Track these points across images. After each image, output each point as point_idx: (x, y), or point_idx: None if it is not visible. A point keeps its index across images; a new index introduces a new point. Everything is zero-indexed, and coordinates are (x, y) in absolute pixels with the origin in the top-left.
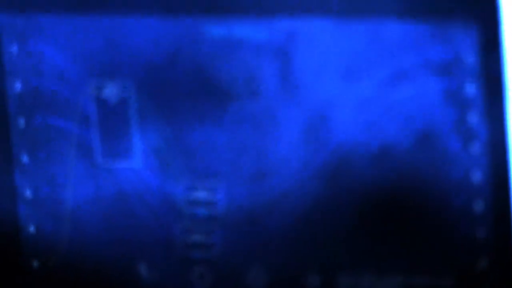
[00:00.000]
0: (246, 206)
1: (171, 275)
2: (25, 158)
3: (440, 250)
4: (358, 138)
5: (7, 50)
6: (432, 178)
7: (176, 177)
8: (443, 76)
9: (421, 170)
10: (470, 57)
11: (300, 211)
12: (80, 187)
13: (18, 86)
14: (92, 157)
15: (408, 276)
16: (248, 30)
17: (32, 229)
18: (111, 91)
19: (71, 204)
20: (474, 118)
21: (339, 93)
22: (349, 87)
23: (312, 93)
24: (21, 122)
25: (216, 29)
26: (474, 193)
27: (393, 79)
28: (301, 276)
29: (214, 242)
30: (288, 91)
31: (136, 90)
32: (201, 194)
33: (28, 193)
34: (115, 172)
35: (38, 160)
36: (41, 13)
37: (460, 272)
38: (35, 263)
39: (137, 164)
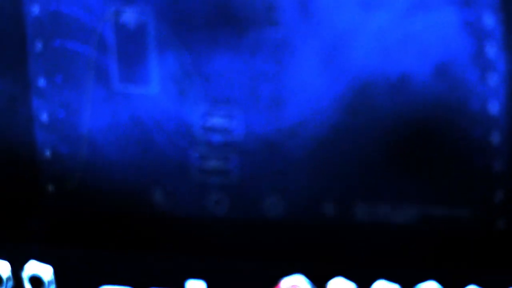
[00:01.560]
0: (262, 133)
1: (187, 201)
2: (42, 82)
3: (457, 182)
4: (376, 67)
5: None
6: (450, 109)
7: (193, 103)
8: (462, 6)
9: (439, 100)
10: None
11: (317, 139)
12: (97, 112)
13: (36, 9)
14: (109, 82)
15: (424, 207)
16: None
17: (48, 153)
18: (129, 16)
19: (87, 129)
20: (492, 49)
21: (358, 22)
22: (367, 16)
23: (330, 21)
24: (39, 46)
25: None
26: (491, 124)
27: (412, 9)
28: (317, 204)
29: (231, 168)
30: (307, 20)
31: (154, 16)
32: (218, 121)
33: (44, 117)
34: (132, 97)
35: (55, 85)
36: None
37: (477, 204)
38: (51, 187)
39: (154, 90)
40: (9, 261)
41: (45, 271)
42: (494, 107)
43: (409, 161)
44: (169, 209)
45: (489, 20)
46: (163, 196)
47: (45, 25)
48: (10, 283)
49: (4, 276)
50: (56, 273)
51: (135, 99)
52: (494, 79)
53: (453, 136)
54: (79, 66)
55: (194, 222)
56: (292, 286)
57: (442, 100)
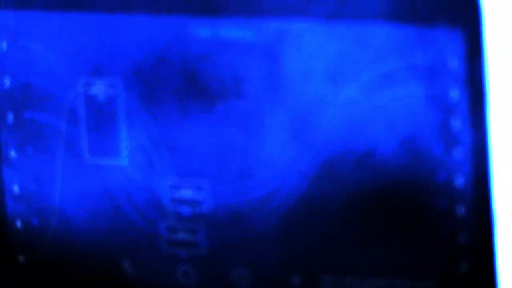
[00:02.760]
0: (231, 205)
1: (156, 272)
2: (13, 154)
3: (422, 254)
4: (343, 140)
5: None
6: (415, 182)
7: (162, 175)
8: (427, 80)
9: (404, 173)
10: (454, 63)
11: (284, 211)
12: (67, 184)
13: (7, 82)
14: (79, 153)
15: (390, 279)
16: (235, 31)
17: (19, 224)
18: (99, 88)
19: (58, 200)
20: (457, 123)
21: (325, 96)
22: (334, 89)
23: (298, 94)
24: (10, 117)
25: (204, 30)
26: (456, 197)
27: (378, 82)
28: (284, 276)
29: (199, 240)
30: (275, 92)
31: (124, 88)
32: (186, 192)
33: (15, 189)
34: (102, 169)
35: (26, 156)
36: (31, 9)
37: (441, 276)
38: (22, 258)
39: (124, 161)
40: None
41: None
42: (459, 180)
43: (375, 233)
44: (138, 280)
45: (454, 94)
46: (132, 267)
47: (16, 97)
48: None
49: None
50: None
51: (105, 170)
52: (459, 153)
53: (419, 208)
54: (50, 138)
55: None
56: None
57: (407, 173)
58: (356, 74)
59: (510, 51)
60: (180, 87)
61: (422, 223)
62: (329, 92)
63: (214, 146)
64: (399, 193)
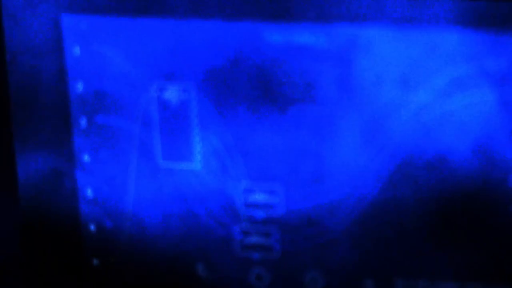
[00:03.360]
0: (304, 209)
1: (229, 276)
2: (86, 158)
3: (495, 257)
4: (415, 144)
5: (69, 51)
6: (487, 186)
7: (235, 179)
8: (499, 86)
9: (476, 178)
10: None
11: (357, 215)
12: (141, 188)
13: (80, 86)
14: (153, 158)
15: (463, 282)
16: (308, 37)
17: (92, 227)
18: (172, 93)
19: (131, 204)
20: None
21: (397, 100)
22: (407, 94)
23: (370, 99)
24: (83, 122)
25: (276, 35)
26: None
27: (450, 88)
28: (357, 280)
29: (272, 243)
30: (347, 97)
31: (197, 92)
32: (259, 196)
33: (89, 192)
34: (175, 173)
35: (99, 160)
36: (104, 14)
37: None
38: (96, 261)
39: (197, 165)
40: None
41: None
42: None
43: (448, 237)
44: (212, 283)
45: None
46: (206, 270)
47: (89, 101)
48: None
49: None
50: None
51: (178, 174)
52: None
53: (492, 213)
54: (123, 142)
55: None
56: None
57: (480, 178)
58: (428, 79)
59: None
60: (252, 92)
61: (495, 227)
62: (402, 97)
63: (287, 150)
64: (471, 198)
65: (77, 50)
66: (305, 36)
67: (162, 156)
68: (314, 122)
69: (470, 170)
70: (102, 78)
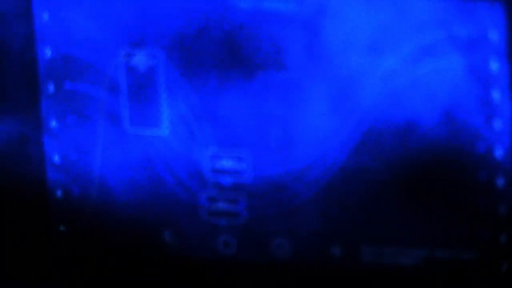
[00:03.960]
0: (271, 175)
1: (196, 242)
2: (54, 123)
3: (462, 225)
4: (383, 111)
5: (38, 17)
6: (454, 153)
7: (203, 145)
8: (468, 52)
9: (444, 145)
10: (495, 35)
11: (324, 182)
12: (108, 154)
13: (48, 52)
14: (120, 123)
15: (429, 249)
16: (276, 2)
17: (59, 193)
18: (140, 59)
19: (98, 170)
20: (496, 95)
21: (365, 66)
22: (375, 60)
23: (338, 65)
24: (51, 87)
25: (245, 1)
26: (496, 169)
27: (419, 54)
28: (324, 246)
29: (239, 210)
30: (315, 63)
31: (165, 58)
32: (227, 163)
33: (56, 158)
34: (143, 139)
35: (67, 126)
36: None
37: (482, 246)
38: (62, 228)
39: (165, 131)
40: None
41: None
42: (499, 152)
43: (415, 203)
44: (179, 249)
45: (494, 66)
46: (173, 237)
47: (57, 67)
48: None
49: None
50: None
51: (145, 140)
52: (499, 124)
53: (459, 180)
54: (91, 108)
55: (203, 263)
56: None
57: (447, 144)
58: (397, 46)
59: None
60: (220, 58)
61: (462, 195)
62: (370, 63)
63: (254, 117)
64: (439, 165)
65: (45, 16)
66: (273, 1)
67: (129, 122)
68: (282, 89)
69: (438, 137)
70: (70, 44)
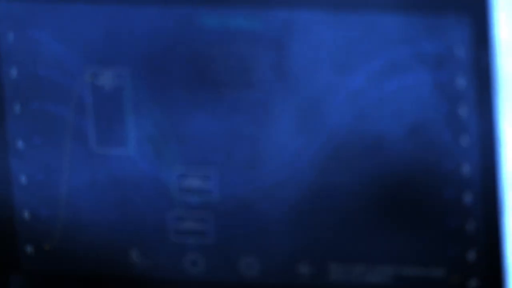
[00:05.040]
0: (239, 194)
1: (164, 262)
2: (20, 144)
3: (430, 242)
4: (351, 129)
5: (3, 36)
6: (422, 170)
7: (170, 164)
8: (435, 69)
9: (411, 162)
10: (462, 51)
11: (293, 199)
12: (75, 174)
13: (14, 72)
14: (87, 143)
15: (398, 266)
16: (242, 21)
17: (26, 214)
18: (106, 78)
19: (65, 190)
20: (464, 111)
21: (332, 84)
22: (342, 78)
23: (305, 83)
24: (17, 108)
25: (211, 20)
26: (464, 185)
27: (385, 71)
28: (292, 265)
29: (207, 229)
30: (283, 82)
31: (132, 78)
32: (194, 182)
33: (23, 179)
34: (110, 158)
35: (33, 146)
36: (37, 0)
37: (450, 264)
38: (29, 249)
39: (131, 151)
40: None
41: None
42: (466, 168)
43: (383, 221)
44: (146, 270)
45: (462, 82)
46: (140, 257)
47: (23, 87)
48: None
49: None
50: None
51: (112, 160)
52: (466, 141)
53: (427, 197)
54: (57, 128)
55: (171, 283)
56: None
57: (415, 161)
58: (363, 63)
59: None
60: (187, 77)
61: (430, 212)
62: (337, 81)
63: (222, 136)
64: (407, 182)
65: (10, 36)
66: (239, 20)
67: (96, 142)
68: (249, 107)
69: (406, 154)
70: (36, 63)
